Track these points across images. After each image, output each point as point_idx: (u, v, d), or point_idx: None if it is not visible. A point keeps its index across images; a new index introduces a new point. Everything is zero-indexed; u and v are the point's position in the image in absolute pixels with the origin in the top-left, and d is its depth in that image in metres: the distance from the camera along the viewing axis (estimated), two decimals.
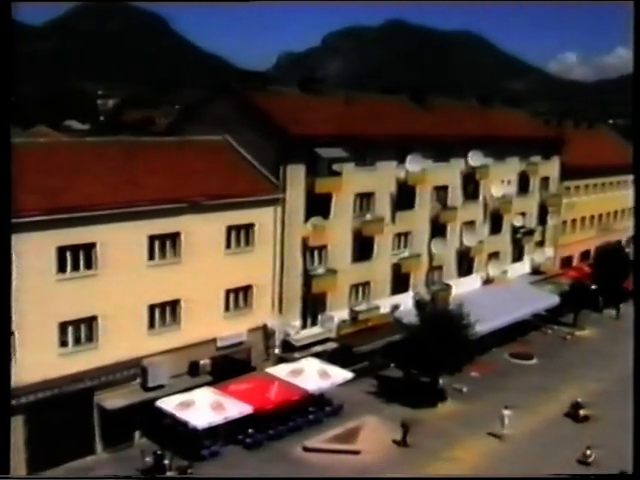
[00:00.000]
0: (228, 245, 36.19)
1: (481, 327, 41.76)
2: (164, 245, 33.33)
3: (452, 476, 32.27)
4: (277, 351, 39.38)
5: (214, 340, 35.70)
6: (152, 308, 33.32)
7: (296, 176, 39.05)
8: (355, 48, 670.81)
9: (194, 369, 35.07)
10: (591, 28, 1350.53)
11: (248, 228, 36.99)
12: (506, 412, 37.42)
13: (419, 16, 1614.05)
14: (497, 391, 42.00)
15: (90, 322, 31.09)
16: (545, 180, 61.19)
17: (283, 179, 38.45)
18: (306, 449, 34.12)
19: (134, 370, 32.68)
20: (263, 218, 37.64)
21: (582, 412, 38.91)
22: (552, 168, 61.80)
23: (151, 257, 32.93)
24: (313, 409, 37.08)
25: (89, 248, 30.44)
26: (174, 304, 34.06)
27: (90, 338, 31.31)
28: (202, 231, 34.38)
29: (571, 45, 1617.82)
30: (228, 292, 36.49)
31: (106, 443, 32.52)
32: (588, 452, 34.22)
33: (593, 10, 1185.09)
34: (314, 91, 44.77)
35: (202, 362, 35.25)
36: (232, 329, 36.45)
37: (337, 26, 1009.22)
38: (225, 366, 36.04)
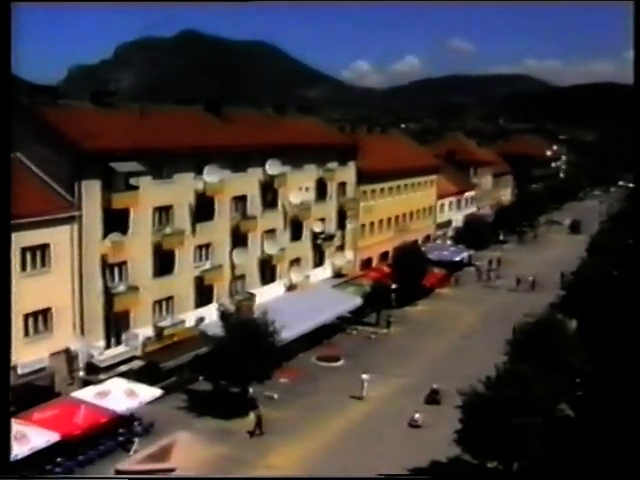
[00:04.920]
0: (23, 267, 36.34)
1: (287, 333, 44.13)
2: None
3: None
4: (82, 374, 39.78)
5: (14, 367, 35.58)
6: None
7: (92, 192, 39.83)
8: (148, 60, 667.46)
9: None
10: (383, 36, 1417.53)
11: (44, 248, 37.35)
12: (365, 377, 44.17)
13: (213, 26, 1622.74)
14: (308, 395, 44.73)
15: None
16: (342, 185, 65.24)
17: (78, 196, 39.13)
18: (119, 472, 34.56)
19: None
20: (59, 237, 38.13)
21: (437, 396, 44.11)
22: (349, 173, 65.94)
23: None
24: (123, 430, 37.76)
25: None
26: None
27: None
28: None
29: (363, 53, 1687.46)
30: (27, 316, 36.63)
31: None
32: (417, 416, 40.45)
33: (384, 17, 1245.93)
34: (107, 105, 45.45)
35: None
36: (33, 355, 36.61)
37: (129, 37, 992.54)
38: (27, 394, 35.90)
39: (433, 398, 44.13)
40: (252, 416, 40.06)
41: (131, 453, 36.31)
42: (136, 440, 37.13)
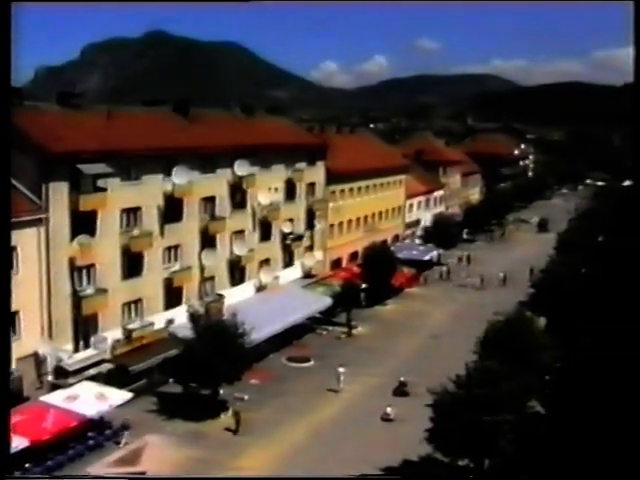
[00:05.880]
0: None
1: (257, 334, 44.25)
2: None
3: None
4: (50, 378, 39.60)
5: None
6: None
7: (59, 194, 39.69)
8: (115, 61, 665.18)
9: None
10: (352, 36, 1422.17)
11: (10, 252, 37.01)
12: (341, 369, 45.29)
13: (180, 27, 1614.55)
14: (278, 396, 44.88)
15: None
16: (311, 186, 65.46)
17: (45, 198, 38.97)
18: (89, 476, 34.58)
19: None
20: (26, 240, 37.87)
21: (405, 389, 45.60)
22: (317, 174, 66.18)
23: None
24: (93, 434, 37.66)
25: None
26: None
27: None
28: None
29: (332, 54, 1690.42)
30: None
31: None
32: (388, 410, 41.28)
33: (352, 17, 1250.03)
34: (74, 106, 45.23)
35: None
36: None
37: (96, 38, 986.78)
38: None
39: (402, 390, 45.25)
40: (230, 414, 40.84)
41: (121, 445, 37.39)
42: (126, 433, 38.00)
